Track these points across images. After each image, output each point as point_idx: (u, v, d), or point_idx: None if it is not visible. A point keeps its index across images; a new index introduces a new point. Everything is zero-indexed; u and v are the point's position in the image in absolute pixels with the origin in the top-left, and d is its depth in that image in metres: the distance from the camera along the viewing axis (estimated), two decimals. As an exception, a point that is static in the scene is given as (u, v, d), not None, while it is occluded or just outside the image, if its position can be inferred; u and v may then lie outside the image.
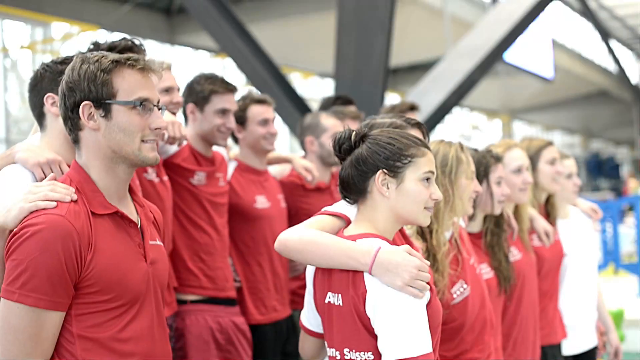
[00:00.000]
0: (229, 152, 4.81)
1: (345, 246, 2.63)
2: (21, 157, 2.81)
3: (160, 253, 2.73)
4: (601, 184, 35.96)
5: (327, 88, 25.23)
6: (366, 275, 2.58)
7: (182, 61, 21.63)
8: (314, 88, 25.33)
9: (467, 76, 10.87)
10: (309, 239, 2.71)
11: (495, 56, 11.41)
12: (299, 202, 4.96)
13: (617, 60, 29.75)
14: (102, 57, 2.58)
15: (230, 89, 4.47)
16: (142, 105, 2.56)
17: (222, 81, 4.48)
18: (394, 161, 2.68)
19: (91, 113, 2.54)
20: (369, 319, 2.58)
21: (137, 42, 3.70)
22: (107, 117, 2.54)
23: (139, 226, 2.66)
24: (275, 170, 5.08)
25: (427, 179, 2.72)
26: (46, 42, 19.69)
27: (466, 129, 33.43)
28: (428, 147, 2.77)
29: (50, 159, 2.78)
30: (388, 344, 2.53)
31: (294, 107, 9.42)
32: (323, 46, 19.08)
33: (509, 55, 20.43)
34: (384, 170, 2.68)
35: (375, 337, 2.58)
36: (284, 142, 17.82)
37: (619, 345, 5.14)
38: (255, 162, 4.81)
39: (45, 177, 2.75)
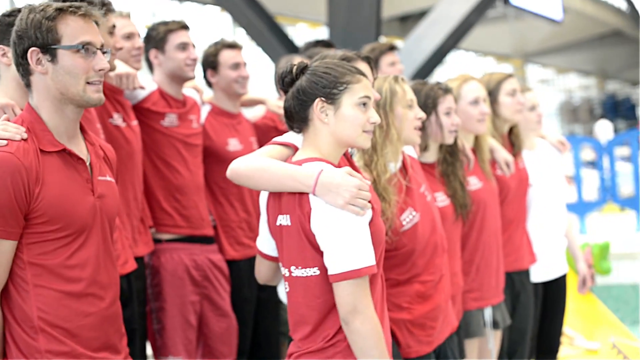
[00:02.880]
0: (202, 95, 4.98)
1: (291, 170, 2.82)
2: None
3: (109, 188, 2.94)
4: (618, 125, 35.76)
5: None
6: (311, 196, 2.77)
7: (190, 17, 21.69)
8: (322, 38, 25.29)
9: (463, 20, 10.94)
10: (257, 166, 2.90)
11: (491, -2, 11.47)
12: None
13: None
14: (47, 6, 2.78)
15: (184, 26, 4.67)
16: (85, 48, 2.76)
17: (175, 21, 4.69)
18: (330, 89, 2.87)
19: (39, 58, 2.75)
20: (314, 235, 2.77)
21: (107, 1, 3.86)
22: (54, 61, 2.75)
23: (88, 163, 2.86)
24: (250, 114, 5.24)
25: (364, 104, 2.89)
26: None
27: (477, 74, 33.26)
28: (364, 75, 2.94)
29: (2, 103, 2.97)
30: (333, 259, 2.73)
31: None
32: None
33: (516, -2, 20.29)
34: (322, 98, 2.87)
35: (320, 253, 2.78)
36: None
37: (586, 273, 5.29)
38: (229, 106, 4.98)
39: None
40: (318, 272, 2.80)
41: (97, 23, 2.86)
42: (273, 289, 5.02)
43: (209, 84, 5.01)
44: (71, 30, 2.76)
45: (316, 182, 2.75)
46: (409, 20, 27.24)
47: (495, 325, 4.34)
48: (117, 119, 4.12)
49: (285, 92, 2.97)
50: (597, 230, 10.50)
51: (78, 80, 2.76)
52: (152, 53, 4.63)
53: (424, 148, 3.98)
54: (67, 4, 2.80)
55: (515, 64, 36.02)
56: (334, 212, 2.74)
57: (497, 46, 31.76)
